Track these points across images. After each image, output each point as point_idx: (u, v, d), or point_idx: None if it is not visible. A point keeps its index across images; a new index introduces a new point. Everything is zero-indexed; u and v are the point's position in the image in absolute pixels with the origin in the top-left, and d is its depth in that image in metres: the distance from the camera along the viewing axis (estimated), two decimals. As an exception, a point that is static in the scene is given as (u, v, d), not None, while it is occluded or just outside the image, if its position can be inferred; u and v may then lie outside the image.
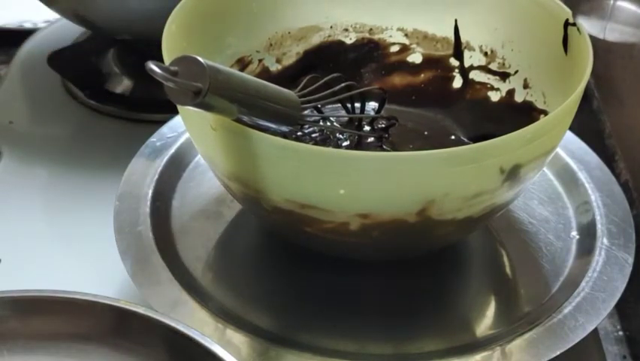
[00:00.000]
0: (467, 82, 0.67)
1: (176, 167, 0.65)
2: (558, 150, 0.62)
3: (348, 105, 0.64)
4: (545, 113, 0.60)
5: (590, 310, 0.55)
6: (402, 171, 0.50)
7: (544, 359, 0.52)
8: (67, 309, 0.50)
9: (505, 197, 0.54)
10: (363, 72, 0.68)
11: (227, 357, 0.47)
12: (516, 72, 0.64)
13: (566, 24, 0.58)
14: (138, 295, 0.55)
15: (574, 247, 0.60)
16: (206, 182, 0.64)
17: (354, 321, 0.56)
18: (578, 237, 0.61)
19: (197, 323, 0.52)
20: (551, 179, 0.65)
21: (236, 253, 0.61)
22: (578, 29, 0.57)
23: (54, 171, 0.72)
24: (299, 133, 0.62)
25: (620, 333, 0.63)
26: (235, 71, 0.52)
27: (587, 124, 0.75)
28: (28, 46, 0.86)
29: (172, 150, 0.65)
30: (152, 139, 0.66)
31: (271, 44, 0.66)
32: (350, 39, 0.68)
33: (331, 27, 0.68)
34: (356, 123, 0.65)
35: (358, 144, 0.63)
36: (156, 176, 0.63)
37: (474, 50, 0.66)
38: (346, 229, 0.52)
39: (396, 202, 0.51)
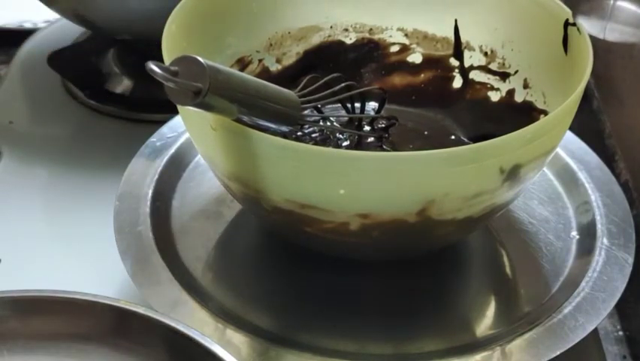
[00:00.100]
0: (467, 82, 0.67)
1: (176, 167, 0.65)
2: (558, 150, 0.62)
3: (348, 105, 0.64)
4: (545, 113, 0.60)
5: (590, 310, 0.55)
6: (402, 171, 0.50)
7: (544, 359, 0.52)
8: (67, 309, 0.50)
9: (505, 197, 0.54)
10: (363, 72, 0.68)
11: (227, 357, 0.47)
12: (516, 72, 0.64)
13: (566, 24, 0.58)
14: (138, 295, 0.55)
15: (574, 247, 0.60)
16: (206, 182, 0.64)
17: (354, 321, 0.56)
18: (578, 237, 0.61)
19: (197, 323, 0.52)
20: (551, 179, 0.65)
21: (236, 253, 0.61)
22: (578, 29, 0.57)
23: (54, 171, 0.72)
24: (299, 133, 0.62)
25: (620, 333, 0.63)
26: (235, 71, 0.52)
27: (587, 124, 0.75)
28: (28, 46, 0.86)
29: (172, 150, 0.65)
30: (152, 139, 0.66)
31: (271, 44, 0.66)
32: (350, 39, 0.68)
33: (331, 27, 0.68)
34: (356, 123, 0.65)
35: (358, 144, 0.63)
36: (156, 176, 0.63)
37: (474, 50, 0.66)
38: (346, 229, 0.52)
39: (396, 202, 0.51)
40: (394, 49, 0.68)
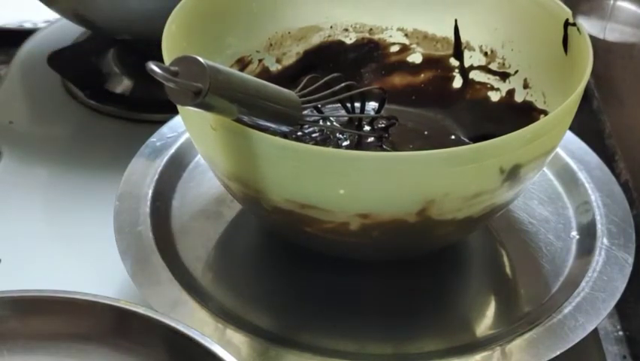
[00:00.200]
0: (467, 82, 0.67)
1: (176, 167, 0.65)
2: (558, 150, 0.62)
3: (348, 105, 0.64)
4: (545, 113, 0.60)
5: (590, 310, 0.55)
6: (402, 171, 0.50)
7: (544, 359, 0.52)
8: (67, 309, 0.50)
9: (505, 197, 0.54)
10: (363, 72, 0.68)
11: (227, 357, 0.47)
12: (516, 72, 0.64)
13: (566, 24, 0.58)
14: (138, 295, 0.55)
15: (574, 247, 0.60)
16: (206, 182, 0.64)
17: (354, 321, 0.56)
18: (578, 237, 0.61)
19: (197, 323, 0.52)
20: (551, 179, 0.65)
21: (237, 253, 0.61)
22: (578, 29, 0.57)
23: (54, 171, 0.72)
24: (299, 133, 0.62)
25: (620, 333, 0.63)
26: (235, 71, 0.52)
27: (587, 124, 0.75)
28: (28, 46, 0.86)
29: (172, 150, 0.65)
30: (152, 139, 0.66)
31: (271, 44, 0.66)
32: (350, 39, 0.68)
33: (331, 27, 0.68)
34: (356, 123, 0.65)
35: (358, 144, 0.63)
36: (156, 176, 0.63)
37: (474, 50, 0.66)
38: (346, 229, 0.52)
39: (396, 202, 0.51)
40: (394, 49, 0.68)
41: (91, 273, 0.63)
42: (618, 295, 0.56)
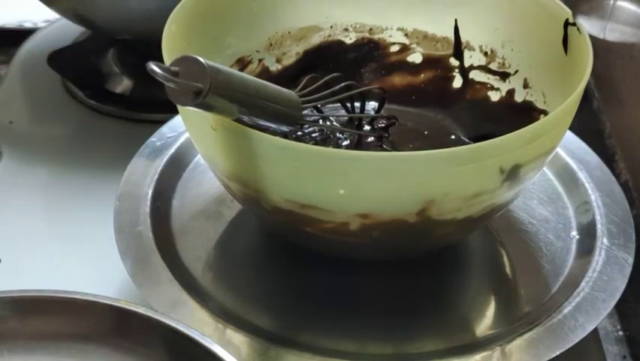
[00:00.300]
0: (467, 82, 0.67)
1: (176, 167, 0.65)
2: (558, 150, 0.62)
3: (348, 105, 0.64)
4: (545, 113, 0.60)
5: (590, 310, 0.55)
6: (402, 171, 0.50)
7: (544, 359, 0.52)
8: (67, 309, 0.50)
9: (505, 197, 0.54)
10: (363, 72, 0.68)
11: (227, 357, 0.47)
12: (516, 72, 0.64)
13: (566, 24, 0.58)
14: (138, 295, 0.55)
15: (574, 247, 0.60)
16: (206, 182, 0.64)
17: (354, 321, 0.56)
18: (578, 237, 0.61)
19: (197, 323, 0.52)
20: (551, 179, 0.65)
21: (237, 253, 0.61)
22: (578, 29, 0.57)
23: (54, 171, 0.72)
24: (299, 133, 0.62)
25: (620, 333, 0.63)
26: (235, 71, 0.52)
27: (587, 124, 0.75)
28: (28, 46, 0.86)
29: (172, 150, 0.65)
30: (152, 139, 0.66)
31: (271, 44, 0.66)
32: (350, 39, 0.68)
33: (331, 27, 0.68)
34: (356, 123, 0.65)
35: (358, 144, 0.63)
36: (156, 176, 0.63)
37: (474, 49, 0.66)
38: (346, 229, 0.52)
39: (396, 202, 0.51)
40: (394, 49, 0.68)
41: (91, 273, 0.63)
42: (618, 295, 0.56)
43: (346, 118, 0.64)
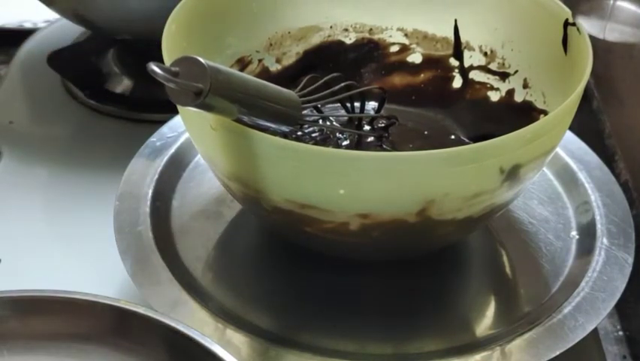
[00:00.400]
0: (467, 82, 0.67)
1: (176, 167, 0.65)
2: (558, 150, 0.62)
3: (348, 105, 0.64)
4: (545, 113, 0.60)
5: (590, 310, 0.55)
6: (402, 171, 0.50)
7: (544, 359, 0.52)
8: (67, 309, 0.50)
9: (505, 197, 0.54)
10: (363, 72, 0.68)
11: (227, 357, 0.47)
12: (516, 72, 0.64)
13: (566, 24, 0.58)
14: (138, 295, 0.55)
15: (574, 247, 0.60)
16: (206, 182, 0.64)
17: (354, 321, 0.56)
18: (577, 237, 0.61)
19: (197, 323, 0.52)
20: (551, 179, 0.65)
21: (237, 253, 0.61)
22: (578, 29, 0.57)
23: (54, 171, 0.72)
24: (299, 133, 0.62)
25: (620, 333, 0.63)
26: (235, 72, 0.52)
27: (587, 124, 0.75)
28: (28, 46, 0.86)
29: (172, 150, 0.65)
30: (152, 139, 0.66)
31: (271, 44, 0.66)
32: (350, 39, 0.68)
33: (331, 27, 0.68)
34: (356, 123, 0.65)
35: (358, 144, 0.63)
36: (156, 176, 0.63)
37: (474, 49, 0.66)
38: (346, 229, 0.52)
39: (396, 202, 0.51)
40: (394, 49, 0.68)
41: (91, 273, 0.63)
42: (618, 295, 0.56)
43: (346, 118, 0.64)
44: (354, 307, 0.57)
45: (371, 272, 0.58)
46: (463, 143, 0.65)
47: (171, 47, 0.55)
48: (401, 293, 0.58)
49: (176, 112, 0.61)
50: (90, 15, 0.76)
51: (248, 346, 0.52)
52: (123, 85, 0.80)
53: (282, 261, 0.60)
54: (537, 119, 0.60)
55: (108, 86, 0.80)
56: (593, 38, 0.57)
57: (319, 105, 0.61)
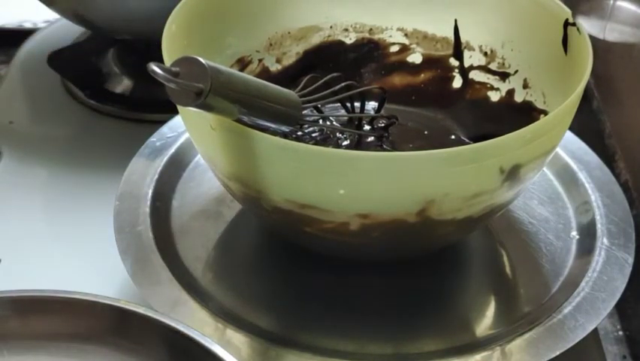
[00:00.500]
0: (467, 82, 0.67)
1: (176, 167, 0.65)
2: (558, 150, 0.62)
3: (348, 105, 0.64)
4: (545, 113, 0.60)
5: (590, 310, 0.55)
6: (402, 171, 0.50)
7: (544, 359, 0.52)
8: (67, 309, 0.50)
9: (505, 197, 0.54)
10: (363, 72, 0.68)
11: (227, 357, 0.47)
12: (516, 72, 0.64)
13: (566, 24, 0.58)
14: (138, 295, 0.55)
15: (574, 247, 0.60)
16: (206, 182, 0.64)
17: (354, 321, 0.56)
18: (577, 237, 0.61)
19: (197, 323, 0.52)
20: (551, 179, 0.65)
21: (237, 253, 0.61)
22: (578, 29, 0.57)
23: (54, 171, 0.72)
24: (299, 133, 0.62)
25: (620, 333, 0.63)
26: (236, 72, 0.52)
27: (587, 124, 0.75)
28: (28, 46, 0.86)
29: (172, 150, 0.65)
30: (152, 139, 0.66)
31: (271, 44, 0.66)
32: (350, 39, 0.68)
33: (331, 27, 0.68)
34: (356, 123, 0.65)
35: (358, 144, 0.63)
36: (156, 176, 0.63)
37: (474, 49, 0.66)
38: (346, 229, 0.52)
39: (396, 202, 0.51)
40: (394, 49, 0.68)
41: (91, 273, 0.63)
42: (618, 295, 0.56)
43: (346, 118, 0.64)
44: (354, 307, 0.57)
45: (371, 272, 0.58)
46: (463, 143, 0.65)
47: (171, 47, 0.55)
48: (401, 293, 0.58)
49: (176, 112, 0.61)
50: (90, 15, 0.76)
51: (248, 346, 0.52)
52: (123, 85, 0.80)
53: (282, 261, 0.60)
54: (537, 119, 0.60)
55: (108, 86, 0.80)
56: (593, 38, 0.57)
57: (319, 105, 0.61)
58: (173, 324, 0.49)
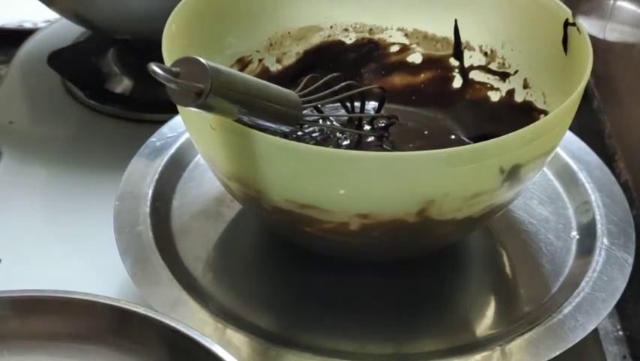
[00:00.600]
0: (467, 82, 0.67)
1: (176, 167, 0.65)
2: (558, 150, 0.62)
3: (348, 105, 0.64)
4: (545, 113, 0.60)
5: (590, 310, 0.55)
6: (402, 171, 0.50)
7: (544, 359, 0.52)
8: (67, 309, 0.50)
9: (505, 197, 0.54)
10: (363, 72, 0.68)
11: (227, 357, 0.47)
12: (516, 72, 0.64)
13: (566, 24, 0.58)
14: (138, 295, 0.55)
15: (574, 247, 0.60)
16: (206, 182, 0.64)
17: (354, 321, 0.56)
18: (578, 237, 0.61)
19: (197, 323, 0.52)
20: (551, 179, 0.65)
21: (237, 253, 0.61)
22: (578, 29, 0.57)
23: (54, 171, 0.72)
24: (299, 133, 0.62)
25: (620, 333, 0.63)
26: (236, 72, 0.52)
27: (587, 124, 0.75)
28: (28, 46, 0.86)
29: (172, 150, 0.65)
30: (152, 139, 0.66)
31: (271, 44, 0.66)
32: (350, 39, 0.68)
33: (331, 27, 0.68)
34: (356, 123, 0.65)
35: (358, 144, 0.63)
36: (156, 176, 0.63)
37: (474, 49, 0.66)
38: (346, 229, 0.52)
39: (396, 202, 0.51)
40: (394, 49, 0.68)
41: (91, 273, 0.63)
42: (618, 295, 0.56)
43: (346, 118, 0.64)
44: (354, 307, 0.57)
45: (371, 272, 0.58)
46: (463, 143, 0.65)
47: (171, 47, 0.55)
48: (401, 293, 0.58)
49: (176, 112, 0.61)
50: (90, 15, 0.76)
51: (248, 346, 0.52)
52: (123, 85, 0.80)
53: (282, 261, 0.60)
54: (537, 119, 0.60)
55: (108, 86, 0.80)
56: (593, 38, 0.57)
57: (319, 105, 0.61)
58: (173, 324, 0.49)
